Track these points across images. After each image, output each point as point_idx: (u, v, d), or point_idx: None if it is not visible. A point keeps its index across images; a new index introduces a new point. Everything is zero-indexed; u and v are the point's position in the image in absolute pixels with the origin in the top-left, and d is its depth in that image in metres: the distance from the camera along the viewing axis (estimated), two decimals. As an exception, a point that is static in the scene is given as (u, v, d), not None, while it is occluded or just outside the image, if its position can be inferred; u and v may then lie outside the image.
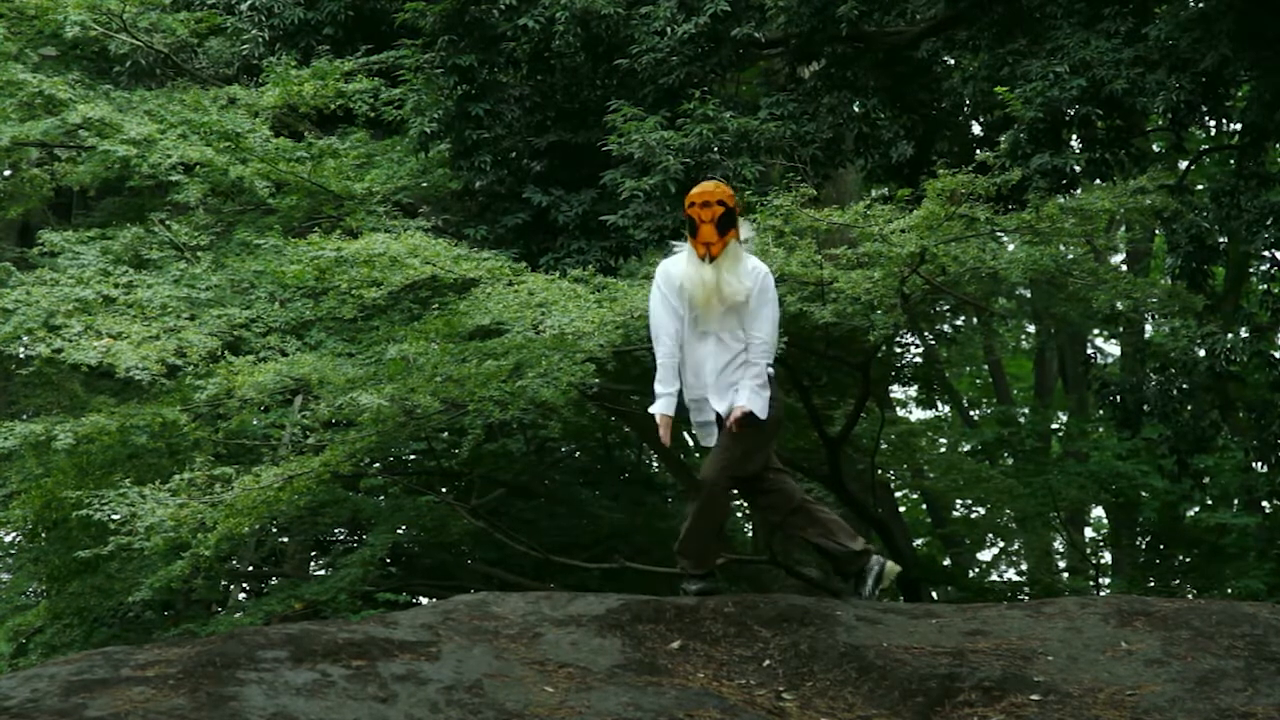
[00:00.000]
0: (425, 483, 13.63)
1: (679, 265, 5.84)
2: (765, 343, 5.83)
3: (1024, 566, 21.06)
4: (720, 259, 5.74)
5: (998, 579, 21.15)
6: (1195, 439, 10.85)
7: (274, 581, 15.17)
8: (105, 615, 12.39)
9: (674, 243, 6.06)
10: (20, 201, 13.34)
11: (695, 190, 5.85)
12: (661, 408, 5.79)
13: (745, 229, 5.94)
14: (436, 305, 9.85)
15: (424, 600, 13.33)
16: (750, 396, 5.74)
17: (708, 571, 5.92)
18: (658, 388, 5.82)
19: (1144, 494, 16.99)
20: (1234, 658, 4.76)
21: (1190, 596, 16.11)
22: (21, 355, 10.59)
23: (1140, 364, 11.81)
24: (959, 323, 18.05)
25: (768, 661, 4.98)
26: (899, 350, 15.86)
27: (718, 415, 5.83)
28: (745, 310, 5.82)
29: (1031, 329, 20.74)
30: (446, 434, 12.71)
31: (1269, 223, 9.58)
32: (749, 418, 5.73)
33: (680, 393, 5.88)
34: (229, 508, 8.90)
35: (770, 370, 5.88)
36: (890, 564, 5.93)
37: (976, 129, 12.48)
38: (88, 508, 9.21)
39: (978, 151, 9.46)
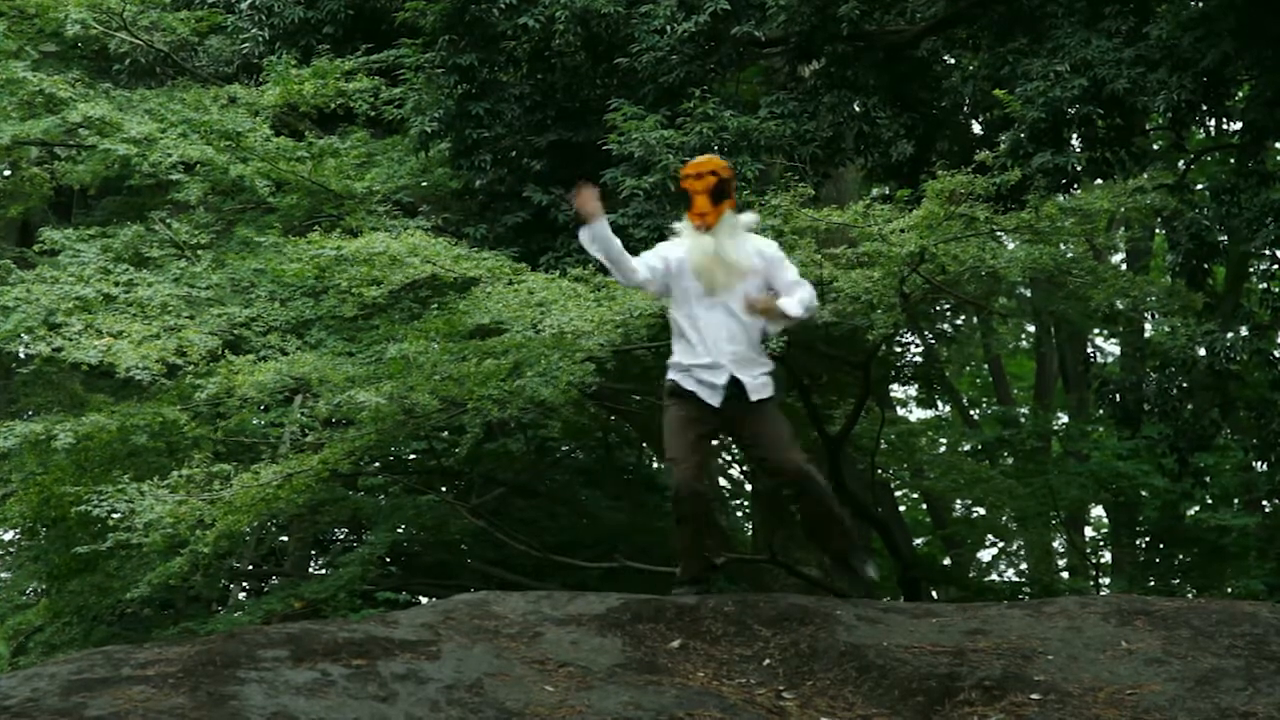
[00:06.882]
0: (425, 482, 13.65)
1: (678, 245, 5.74)
2: (802, 282, 5.76)
3: (1024, 566, 21.04)
4: (717, 228, 5.67)
5: (998, 579, 21.14)
6: (1195, 438, 10.84)
7: (274, 580, 15.20)
8: (105, 614, 12.40)
9: (674, 225, 5.91)
10: (20, 200, 13.35)
11: (689, 164, 5.81)
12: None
13: (749, 216, 5.88)
14: (436, 304, 9.85)
15: (424, 599, 13.32)
16: (796, 304, 5.64)
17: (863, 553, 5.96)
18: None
19: (1144, 493, 16.98)
20: (1234, 657, 4.75)
21: (1190, 596, 16.11)
22: (22, 354, 10.59)
23: (1140, 363, 11.81)
24: (959, 322, 18.06)
25: (768, 661, 4.97)
26: (899, 350, 15.85)
27: (731, 381, 5.65)
28: (757, 279, 5.69)
29: (1031, 328, 20.72)
30: (446, 433, 12.70)
31: (1269, 221, 9.57)
32: (774, 309, 5.62)
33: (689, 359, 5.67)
34: (228, 505, 8.90)
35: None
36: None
37: (977, 128, 12.46)
38: (86, 504, 9.20)
39: (978, 151, 9.45)
